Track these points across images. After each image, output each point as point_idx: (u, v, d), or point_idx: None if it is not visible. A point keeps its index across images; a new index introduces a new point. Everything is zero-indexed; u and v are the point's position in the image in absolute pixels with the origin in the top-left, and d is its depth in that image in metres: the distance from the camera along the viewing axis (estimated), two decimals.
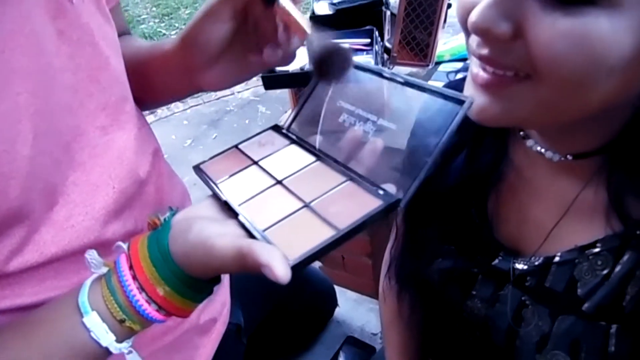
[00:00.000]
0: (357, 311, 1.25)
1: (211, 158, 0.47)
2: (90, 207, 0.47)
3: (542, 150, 0.43)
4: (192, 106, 3.12)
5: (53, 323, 0.40)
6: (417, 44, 0.85)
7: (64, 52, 0.44)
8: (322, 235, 0.33)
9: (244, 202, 0.39)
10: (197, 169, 0.46)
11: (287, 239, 0.34)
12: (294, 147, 0.45)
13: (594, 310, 0.41)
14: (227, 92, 3.22)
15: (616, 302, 0.40)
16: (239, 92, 3.18)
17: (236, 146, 0.47)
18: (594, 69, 0.31)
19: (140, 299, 0.37)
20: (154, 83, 0.56)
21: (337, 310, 1.09)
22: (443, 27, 0.94)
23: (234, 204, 0.39)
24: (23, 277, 0.43)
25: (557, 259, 0.43)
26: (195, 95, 3.21)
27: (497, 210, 0.49)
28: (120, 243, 0.40)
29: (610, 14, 0.30)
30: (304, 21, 0.41)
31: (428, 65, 0.89)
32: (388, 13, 1.10)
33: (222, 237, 0.35)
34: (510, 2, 0.32)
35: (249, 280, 0.79)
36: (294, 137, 0.46)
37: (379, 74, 0.42)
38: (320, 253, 0.33)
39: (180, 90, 0.56)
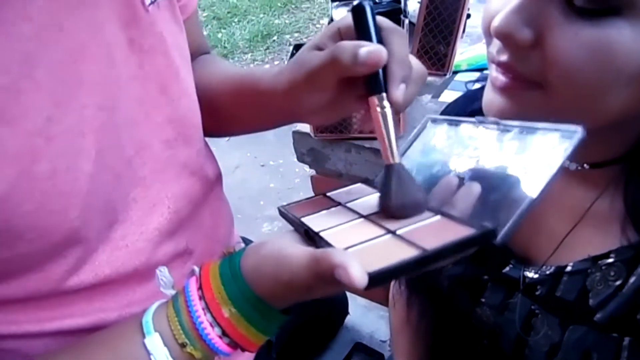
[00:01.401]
0: (366, 318, 1.24)
1: (296, 202, 0.44)
2: (145, 227, 0.45)
3: None
4: None
5: (115, 342, 0.38)
6: (435, 53, 0.86)
7: (133, 62, 0.42)
8: (406, 254, 0.30)
9: (325, 229, 0.36)
10: (281, 210, 0.43)
11: (368, 256, 0.31)
12: None
13: (606, 322, 0.41)
14: None
15: (630, 315, 0.39)
16: None
17: (324, 194, 0.45)
18: (612, 79, 0.32)
19: (205, 320, 0.35)
20: (241, 115, 0.53)
21: (346, 316, 1.09)
22: (462, 37, 0.94)
23: (314, 230, 0.36)
24: (74, 299, 0.42)
25: (569, 268, 0.43)
26: None
27: None
28: (195, 267, 0.39)
29: (633, 24, 0.30)
30: (393, 145, 0.36)
31: (445, 75, 0.90)
32: (407, 22, 1.11)
33: (296, 247, 0.33)
34: (534, 10, 0.32)
35: None
36: None
37: (469, 122, 0.40)
38: (404, 269, 0.30)
39: (271, 124, 0.53)
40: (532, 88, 0.35)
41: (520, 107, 0.37)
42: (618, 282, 0.40)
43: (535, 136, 0.34)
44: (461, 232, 0.32)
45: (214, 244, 0.55)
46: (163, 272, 0.44)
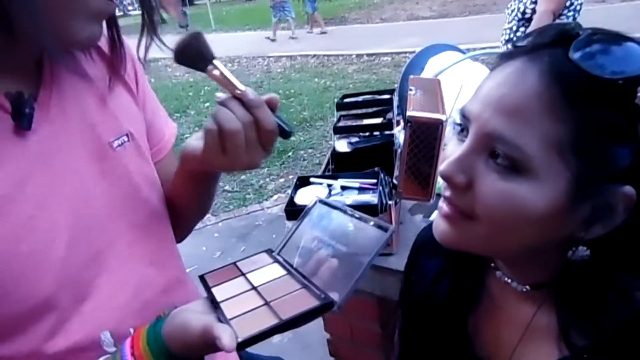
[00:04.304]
0: None
1: (214, 270, 0.61)
2: (110, 304, 0.58)
3: (509, 280, 0.52)
4: (223, 220, 3.28)
5: None
6: (419, 182, 1.00)
7: (104, 184, 0.59)
8: (269, 322, 0.48)
9: (226, 299, 0.54)
10: (201, 278, 0.60)
11: (245, 325, 0.48)
12: (275, 265, 0.60)
13: None
14: (257, 207, 3.42)
15: None
16: (268, 207, 3.37)
17: (234, 263, 0.62)
18: (519, 219, 0.42)
19: None
20: (183, 192, 0.71)
21: None
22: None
23: (217, 300, 0.53)
24: None
25: None
26: (227, 209, 3.42)
27: (476, 329, 0.57)
28: (131, 329, 0.54)
29: (530, 182, 0.40)
30: (235, 83, 0.54)
31: (429, 201, 1.02)
32: (399, 151, 1.27)
33: (197, 320, 0.49)
34: (467, 162, 0.44)
35: None
36: (279, 258, 0.61)
37: (338, 209, 0.60)
38: (264, 335, 0.47)
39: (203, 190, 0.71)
40: (466, 219, 0.45)
41: (457, 233, 0.47)
42: None
43: (368, 226, 0.55)
44: (309, 303, 0.50)
45: None
46: (106, 335, 0.57)
